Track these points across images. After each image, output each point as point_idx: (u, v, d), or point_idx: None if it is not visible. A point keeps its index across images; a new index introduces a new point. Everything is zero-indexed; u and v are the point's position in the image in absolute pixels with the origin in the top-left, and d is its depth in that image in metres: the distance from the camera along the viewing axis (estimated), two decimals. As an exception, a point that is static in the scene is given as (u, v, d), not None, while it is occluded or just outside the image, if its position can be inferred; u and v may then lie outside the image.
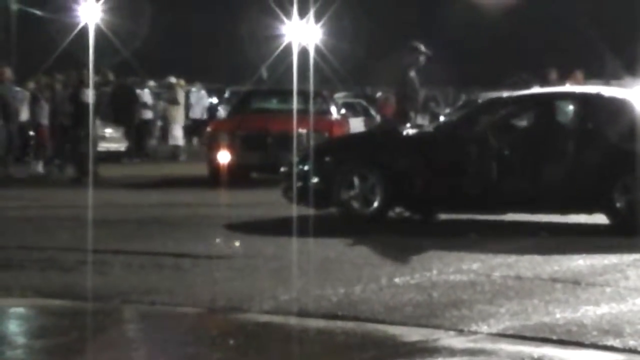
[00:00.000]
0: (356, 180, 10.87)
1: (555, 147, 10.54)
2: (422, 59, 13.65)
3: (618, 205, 10.13)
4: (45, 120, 19.19)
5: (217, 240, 9.83)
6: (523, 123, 11.40)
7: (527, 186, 10.52)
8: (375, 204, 10.82)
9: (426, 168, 10.74)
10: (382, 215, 10.89)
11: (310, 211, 11.25)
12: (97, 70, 18.29)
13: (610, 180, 10.16)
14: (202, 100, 27.28)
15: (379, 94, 29.35)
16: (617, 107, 10.64)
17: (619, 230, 9.98)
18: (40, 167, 18.92)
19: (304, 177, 11.09)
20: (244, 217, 11.55)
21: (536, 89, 15.64)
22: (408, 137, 11.52)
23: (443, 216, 11.19)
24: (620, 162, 10.16)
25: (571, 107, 11.24)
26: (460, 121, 11.44)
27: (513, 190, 10.54)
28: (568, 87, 14.32)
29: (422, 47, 13.65)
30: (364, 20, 42.08)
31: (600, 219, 10.44)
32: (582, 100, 11.06)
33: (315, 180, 11.04)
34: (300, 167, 11.27)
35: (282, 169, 11.78)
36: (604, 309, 6.51)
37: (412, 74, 13.57)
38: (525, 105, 11.41)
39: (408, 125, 12.54)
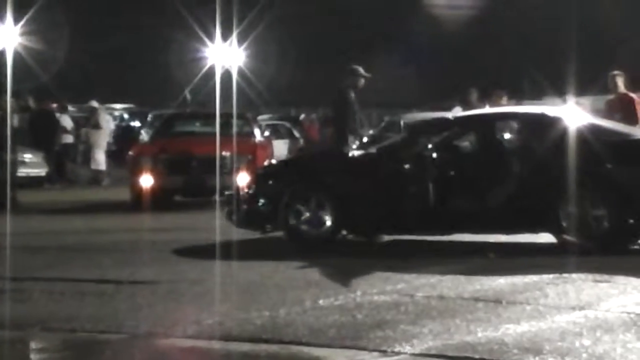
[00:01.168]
0: (305, 203, 10.74)
1: (499, 167, 10.52)
2: (361, 81, 13.68)
3: (564, 224, 10.12)
4: None
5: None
6: (467, 143, 11.36)
7: (472, 206, 10.47)
8: (325, 226, 10.71)
9: (371, 190, 10.66)
10: (332, 238, 10.77)
11: (235, 235, 11.20)
12: (16, 96, 17.98)
13: (555, 199, 10.12)
14: (108, 123, 27.03)
15: (302, 116, 29.50)
16: (561, 126, 10.53)
17: (565, 249, 9.94)
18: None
19: (250, 200, 11.02)
20: (169, 241, 11.44)
21: (459, 110, 15.88)
22: (354, 158, 11.43)
23: (389, 237, 11.15)
24: (564, 181, 10.07)
25: (515, 127, 11.30)
26: (404, 142, 11.26)
27: (458, 210, 10.50)
28: (512, 107, 14.39)
29: (362, 70, 13.68)
30: (288, 42, 42.25)
31: (526, 238, 10.55)
32: (526, 119, 11.14)
33: (261, 203, 10.96)
34: (246, 190, 11.17)
35: (226, 192, 11.69)
36: (524, 327, 6.60)
37: (352, 96, 13.59)
38: (469, 126, 11.35)
39: (347, 146, 12.53)
